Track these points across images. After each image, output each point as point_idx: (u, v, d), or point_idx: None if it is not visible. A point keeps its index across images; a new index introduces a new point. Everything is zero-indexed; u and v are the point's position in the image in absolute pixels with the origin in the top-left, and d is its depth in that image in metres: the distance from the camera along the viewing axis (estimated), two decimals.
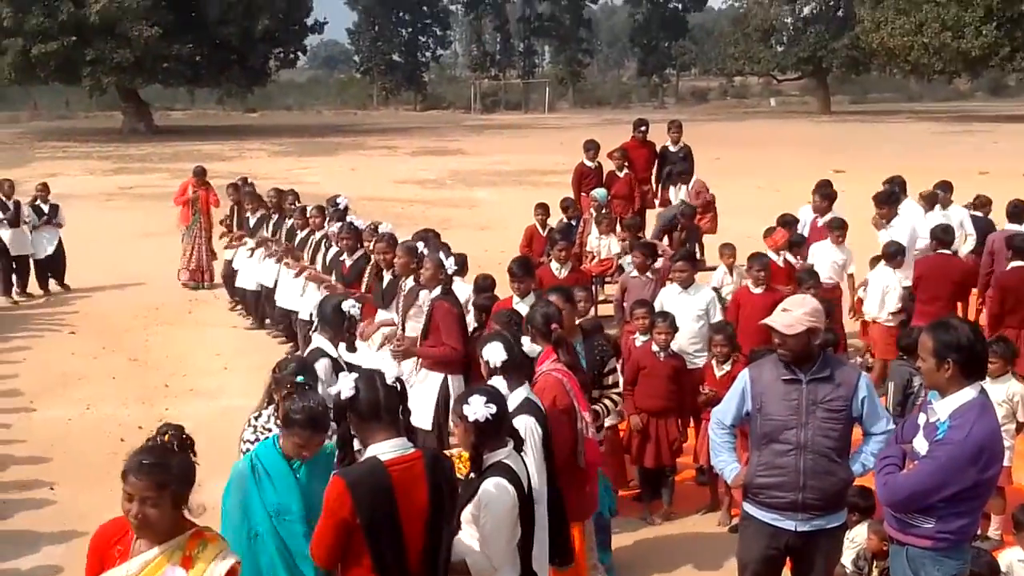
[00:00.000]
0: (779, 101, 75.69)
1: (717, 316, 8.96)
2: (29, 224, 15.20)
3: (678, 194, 14.17)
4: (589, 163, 14.93)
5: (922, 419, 4.86)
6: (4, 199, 14.92)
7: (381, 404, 4.17)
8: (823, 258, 10.97)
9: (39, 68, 46.35)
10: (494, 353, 5.20)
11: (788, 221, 11.38)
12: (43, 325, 13.86)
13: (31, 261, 15.38)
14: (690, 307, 8.78)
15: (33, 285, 15.46)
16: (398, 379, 4.31)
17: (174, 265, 16.35)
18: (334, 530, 4.05)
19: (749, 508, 5.40)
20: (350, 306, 6.37)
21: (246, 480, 4.52)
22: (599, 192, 13.64)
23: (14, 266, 15.10)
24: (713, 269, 11.41)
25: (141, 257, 17.88)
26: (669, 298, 9.08)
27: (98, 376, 11.55)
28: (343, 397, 4.18)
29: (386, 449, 4.13)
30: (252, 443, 5.20)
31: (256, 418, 5.45)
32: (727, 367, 7.71)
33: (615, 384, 6.42)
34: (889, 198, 11.19)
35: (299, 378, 5.08)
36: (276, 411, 5.26)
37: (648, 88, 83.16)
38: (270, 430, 5.21)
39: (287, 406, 4.71)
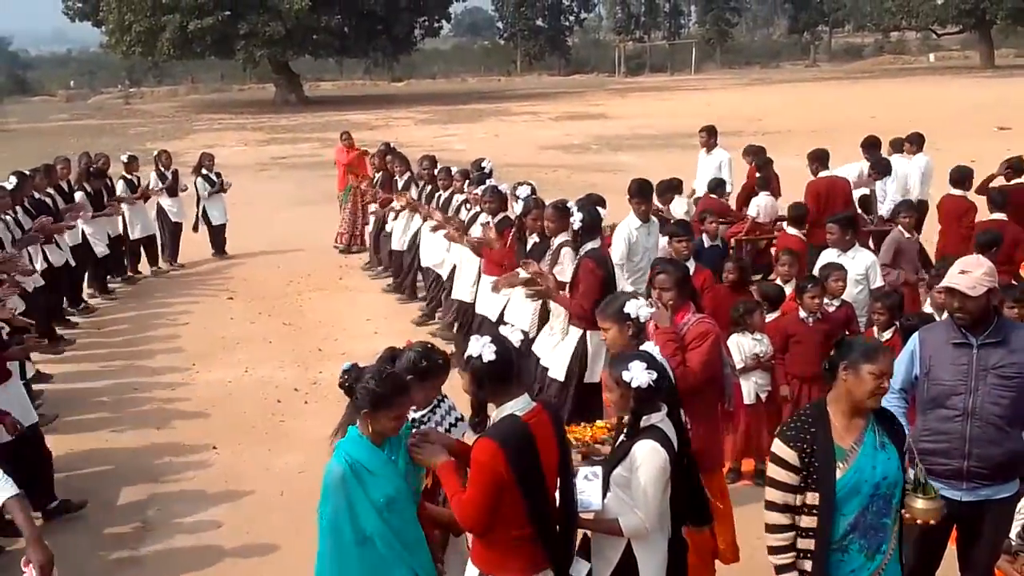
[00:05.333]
0: (938, 56, 72.31)
1: (877, 281, 8.66)
2: (202, 193, 15.80)
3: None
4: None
5: None
6: (163, 169, 15.50)
7: (515, 364, 4.31)
8: None
9: (195, 43, 48.09)
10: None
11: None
12: (203, 290, 14.39)
13: (192, 229, 15.99)
14: (849, 271, 8.47)
15: (191, 254, 16.09)
16: (522, 340, 4.40)
17: (324, 232, 16.75)
18: (491, 491, 4.08)
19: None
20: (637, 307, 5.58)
21: (348, 483, 4.22)
22: None
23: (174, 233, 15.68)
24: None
25: (293, 225, 18.38)
26: (829, 261, 8.79)
27: (255, 340, 11.91)
28: (485, 360, 4.23)
29: (519, 406, 4.24)
30: None
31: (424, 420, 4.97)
32: (887, 335, 7.47)
33: None
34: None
35: (345, 365, 4.53)
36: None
37: (799, 46, 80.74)
38: (454, 424, 5.00)
39: (370, 388, 4.25)
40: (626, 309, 5.26)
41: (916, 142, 13.82)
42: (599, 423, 5.68)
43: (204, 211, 16.00)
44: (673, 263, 6.27)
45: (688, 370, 5.60)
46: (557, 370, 7.74)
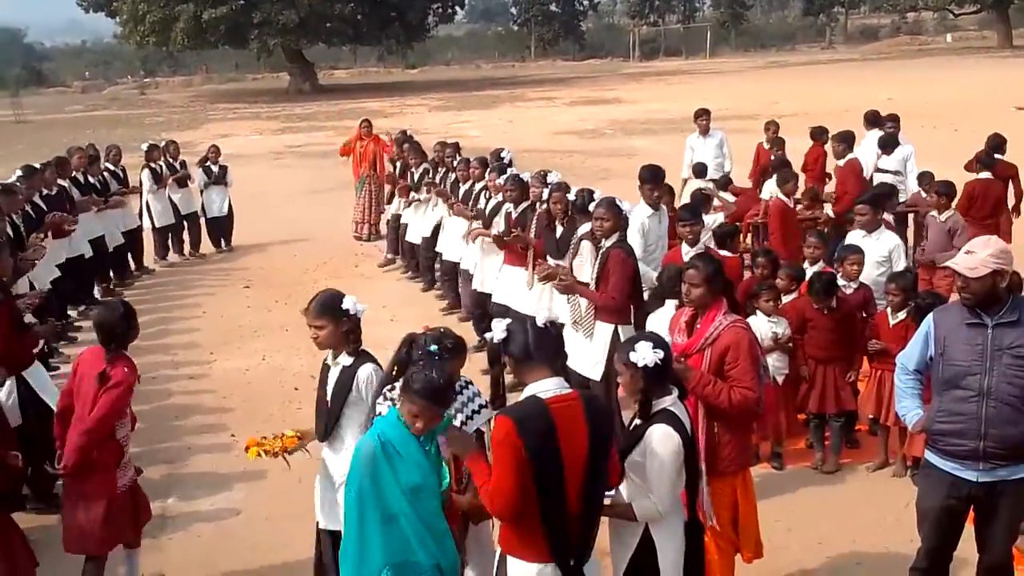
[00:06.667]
0: (956, 37, 71.66)
1: (901, 264, 8.60)
2: (199, 184, 15.75)
3: None
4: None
5: None
6: (172, 160, 15.51)
7: (531, 344, 4.24)
8: None
9: (209, 32, 48.15)
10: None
11: None
12: (219, 280, 14.44)
13: (202, 220, 15.99)
14: (872, 252, 8.44)
15: (208, 244, 16.11)
16: (552, 323, 4.38)
17: (340, 220, 16.78)
18: (513, 468, 4.02)
19: (930, 456, 5.23)
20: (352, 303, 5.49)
21: (377, 461, 4.28)
22: None
23: (185, 224, 15.70)
24: None
25: (309, 213, 18.43)
26: (852, 242, 8.76)
27: (272, 328, 11.96)
28: (495, 340, 4.30)
29: (544, 388, 4.17)
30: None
31: (391, 390, 4.93)
32: (901, 315, 7.46)
33: None
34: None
35: (433, 347, 4.75)
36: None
37: (815, 28, 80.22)
38: (477, 411, 5.06)
39: (410, 372, 4.45)
40: (344, 305, 5.24)
41: (871, 119, 14.14)
42: (288, 432, 5.59)
43: (203, 204, 15.95)
44: (703, 257, 5.87)
45: (745, 393, 5.28)
46: (592, 370, 7.54)
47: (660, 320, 6.98)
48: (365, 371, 5.29)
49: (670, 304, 6.99)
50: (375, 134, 16.58)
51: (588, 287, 7.70)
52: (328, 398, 5.37)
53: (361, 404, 5.27)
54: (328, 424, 5.37)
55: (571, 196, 8.64)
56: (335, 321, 5.28)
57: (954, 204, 10.50)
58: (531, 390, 4.19)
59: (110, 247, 13.60)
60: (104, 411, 5.60)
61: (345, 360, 5.35)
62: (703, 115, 14.64)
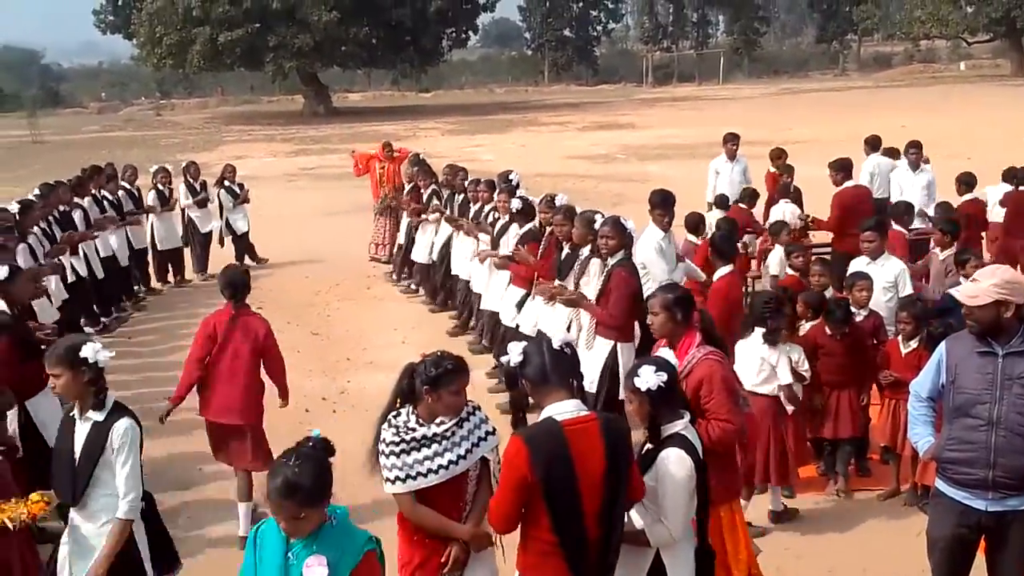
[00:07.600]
0: (969, 65, 71.67)
1: (907, 289, 8.61)
2: (226, 205, 15.87)
3: None
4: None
5: None
6: (192, 181, 15.60)
7: (548, 367, 4.26)
8: None
9: (225, 55, 48.50)
10: None
11: None
12: None
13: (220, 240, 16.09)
14: (878, 278, 8.44)
15: (219, 264, 16.09)
16: (568, 344, 4.40)
17: (353, 242, 16.82)
18: (514, 490, 4.13)
19: (940, 484, 5.21)
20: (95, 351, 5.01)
21: (248, 547, 3.99)
22: None
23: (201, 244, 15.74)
24: None
25: (322, 235, 18.49)
26: (857, 269, 8.77)
27: (283, 349, 11.83)
28: (512, 364, 4.34)
29: (561, 410, 4.20)
30: (394, 444, 4.61)
31: (395, 416, 4.70)
32: (913, 344, 7.42)
33: None
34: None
35: (314, 432, 4.03)
36: (415, 410, 4.69)
37: (828, 55, 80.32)
38: (414, 429, 4.62)
39: (273, 464, 3.89)
40: (82, 353, 4.90)
41: (871, 143, 14.41)
42: (35, 496, 5.11)
43: (227, 222, 16.09)
44: (668, 287, 5.86)
45: (724, 427, 5.21)
46: (589, 385, 7.53)
47: (745, 350, 7.08)
48: (121, 426, 4.93)
49: (758, 332, 7.05)
50: (396, 156, 16.61)
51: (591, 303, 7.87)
52: (76, 456, 4.96)
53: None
54: (78, 486, 4.96)
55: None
56: (72, 370, 4.88)
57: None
58: (548, 412, 4.21)
59: (122, 264, 13.68)
60: (276, 352, 7.68)
61: (96, 415, 4.96)
62: (732, 139, 14.55)
